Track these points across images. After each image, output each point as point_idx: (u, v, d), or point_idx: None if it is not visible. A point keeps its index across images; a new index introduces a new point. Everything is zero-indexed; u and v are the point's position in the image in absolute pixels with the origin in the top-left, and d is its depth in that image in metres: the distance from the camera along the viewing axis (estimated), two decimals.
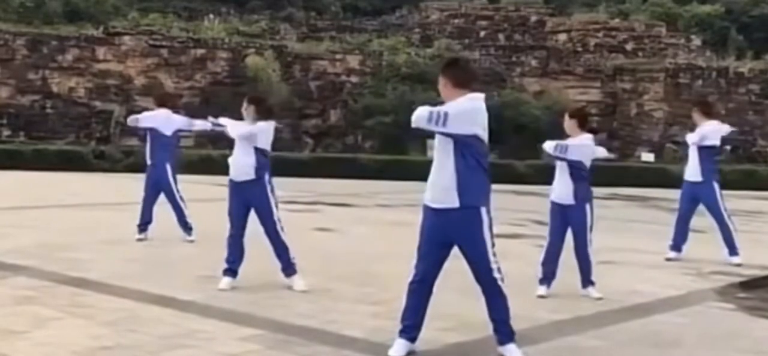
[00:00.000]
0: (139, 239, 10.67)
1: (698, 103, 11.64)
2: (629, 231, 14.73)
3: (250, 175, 7.64)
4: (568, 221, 7.79)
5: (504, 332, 5.49)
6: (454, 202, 5.29)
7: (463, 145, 5.27)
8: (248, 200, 7.68)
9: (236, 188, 7.73)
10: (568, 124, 7.87)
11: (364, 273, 8.83)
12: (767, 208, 21.39)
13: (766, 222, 17.69)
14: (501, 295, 5.43)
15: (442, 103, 5.41)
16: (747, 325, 7.07)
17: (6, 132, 31.48)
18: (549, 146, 7.65)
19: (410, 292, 5.50)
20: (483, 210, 5.34)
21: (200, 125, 10.74)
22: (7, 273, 8.12)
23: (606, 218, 16.15)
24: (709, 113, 10.83)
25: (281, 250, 7.71)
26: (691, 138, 10.44)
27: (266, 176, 7.70)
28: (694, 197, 10.57)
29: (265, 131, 7.75)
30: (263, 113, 7.88)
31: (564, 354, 5.91)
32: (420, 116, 5.22)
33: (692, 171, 10.48)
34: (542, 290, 7.77)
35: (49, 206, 15.29)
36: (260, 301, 7.11)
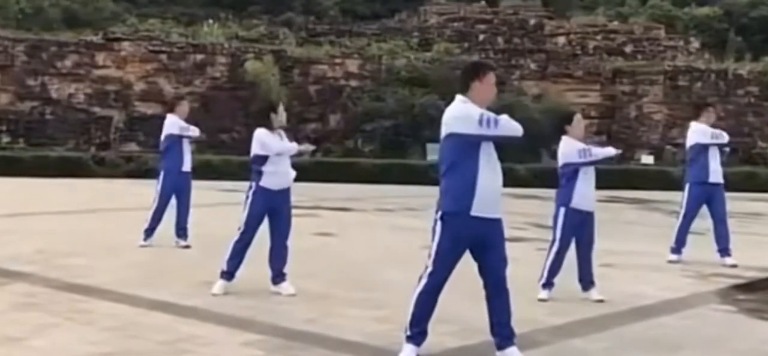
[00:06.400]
0: (143, 245, 10.70)
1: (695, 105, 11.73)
2: (629, 234, 14.73)
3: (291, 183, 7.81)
4: (584, 226, 7.79)
5: (508, 335, 5.49)
6: (499, 213, 5.41)
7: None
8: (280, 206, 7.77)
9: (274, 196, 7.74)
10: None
11: (364, 277, 8.83)
12: (767, 210, 21.38)
13: (765, 224, 17.68)
14: (508, 295, 5.50)
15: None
16: (748, 327, 7.06)
17: (5, 139, 31.45)
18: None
19: (425, 301, 5.45)
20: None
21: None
22: (7, 279, 8.10)
23: (606, 222, 16.13)
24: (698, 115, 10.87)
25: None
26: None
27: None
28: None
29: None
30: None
31: None
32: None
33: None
34: (544, 294, 7.78)
35: (49, 213, 15.27)
36: (261, 306, 7.10)
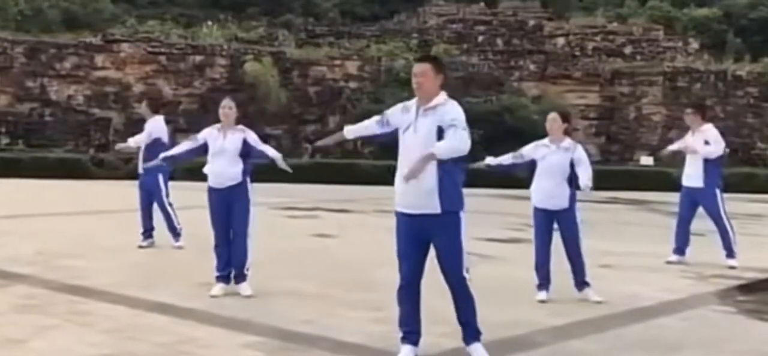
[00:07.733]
0: (142, 246, 10.67)
1: (694, 106, 11.57)
2: (628, 235, 14.73)
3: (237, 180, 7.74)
4: (559, 224, 7.79)
5: (470, 333, 5.52)
6: (435, 208, 5.29)
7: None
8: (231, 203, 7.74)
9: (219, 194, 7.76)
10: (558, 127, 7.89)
11: (363, 278, 8.83)
12: (766, 211, 21.39)
13: (765, 225, 17.69)
14: (469, 297, 5.46)
15: (409, 97, 5.48)
16: (747, 328, 7.06)
17: (5, 140, 31.47)
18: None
19: (400, 298, 5.51)
20: (462, 215, 5.40)
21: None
22: (6, 281, 8.10)
23: (605, 222, 16.15)
24: (705, 116, 10.80)
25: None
26: (706, 150, 10.36)
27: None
28: (694, 201, 10.58)
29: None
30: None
31: None
32: (462, 147, 5.21)
33: (694, 176, 10.47)
34: (542, 295, 7.78)
35: (48, 214, 15.27)
36: (259, 307, 7.10)
